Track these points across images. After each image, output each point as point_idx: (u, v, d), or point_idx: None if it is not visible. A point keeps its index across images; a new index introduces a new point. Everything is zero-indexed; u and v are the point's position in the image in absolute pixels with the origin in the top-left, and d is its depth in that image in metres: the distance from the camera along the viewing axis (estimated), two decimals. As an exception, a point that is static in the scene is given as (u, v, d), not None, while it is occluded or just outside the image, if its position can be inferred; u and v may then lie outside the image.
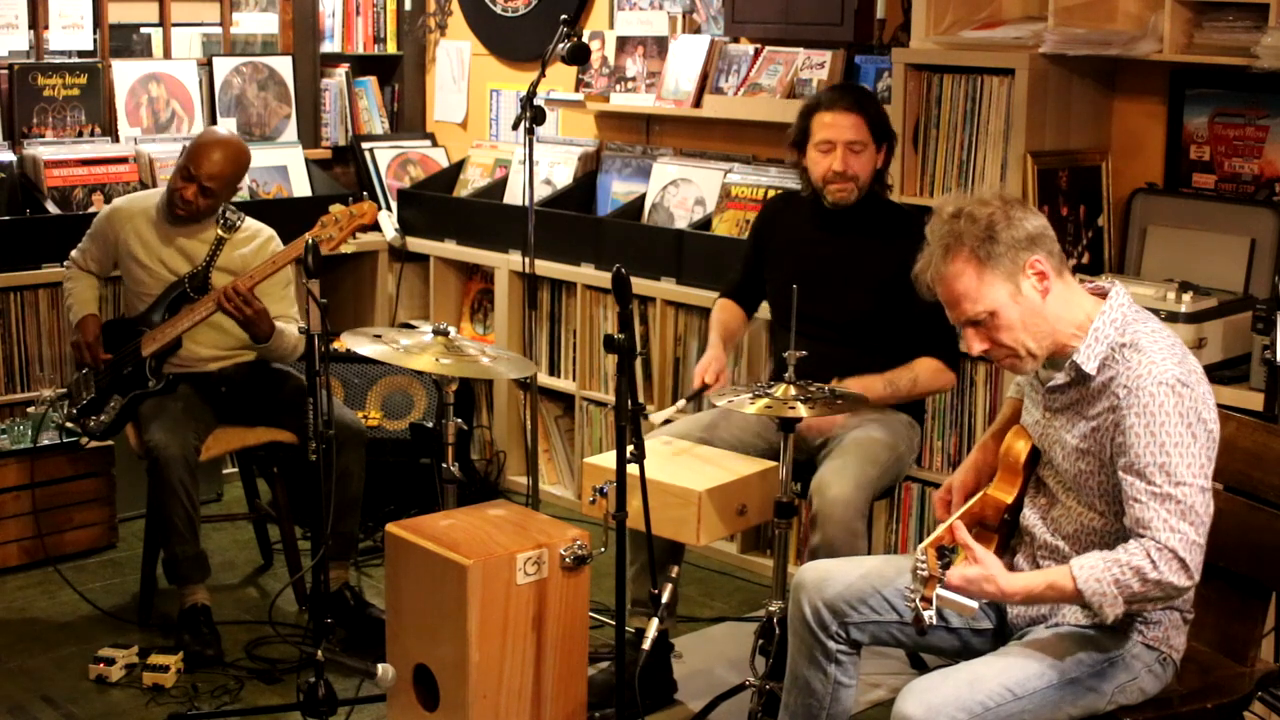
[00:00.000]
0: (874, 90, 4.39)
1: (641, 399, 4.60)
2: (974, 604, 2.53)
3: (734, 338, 3.93)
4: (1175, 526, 2.48)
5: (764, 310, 3.98)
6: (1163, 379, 2.49)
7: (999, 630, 2.79)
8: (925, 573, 2.48)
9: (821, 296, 3.62)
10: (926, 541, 2.55)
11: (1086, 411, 2.61)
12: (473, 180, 5.64)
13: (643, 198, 5.03)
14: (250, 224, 4.21)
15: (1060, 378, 2.63)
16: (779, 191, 4.42)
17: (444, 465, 3.56)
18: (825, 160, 3.62)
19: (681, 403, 3.76)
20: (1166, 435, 2.49)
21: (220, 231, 4.12)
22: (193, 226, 4.14)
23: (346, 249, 3.91)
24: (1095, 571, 2.50)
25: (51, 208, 4.87)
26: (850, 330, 3.63)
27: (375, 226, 5.29)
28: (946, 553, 2.53)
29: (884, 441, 3.53)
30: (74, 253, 4.29)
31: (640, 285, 4.60)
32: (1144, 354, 2.54)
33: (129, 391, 4.07)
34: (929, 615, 2.48)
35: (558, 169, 5.32)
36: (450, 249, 5.41)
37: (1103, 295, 2.66)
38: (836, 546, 3.31)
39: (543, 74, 4.32)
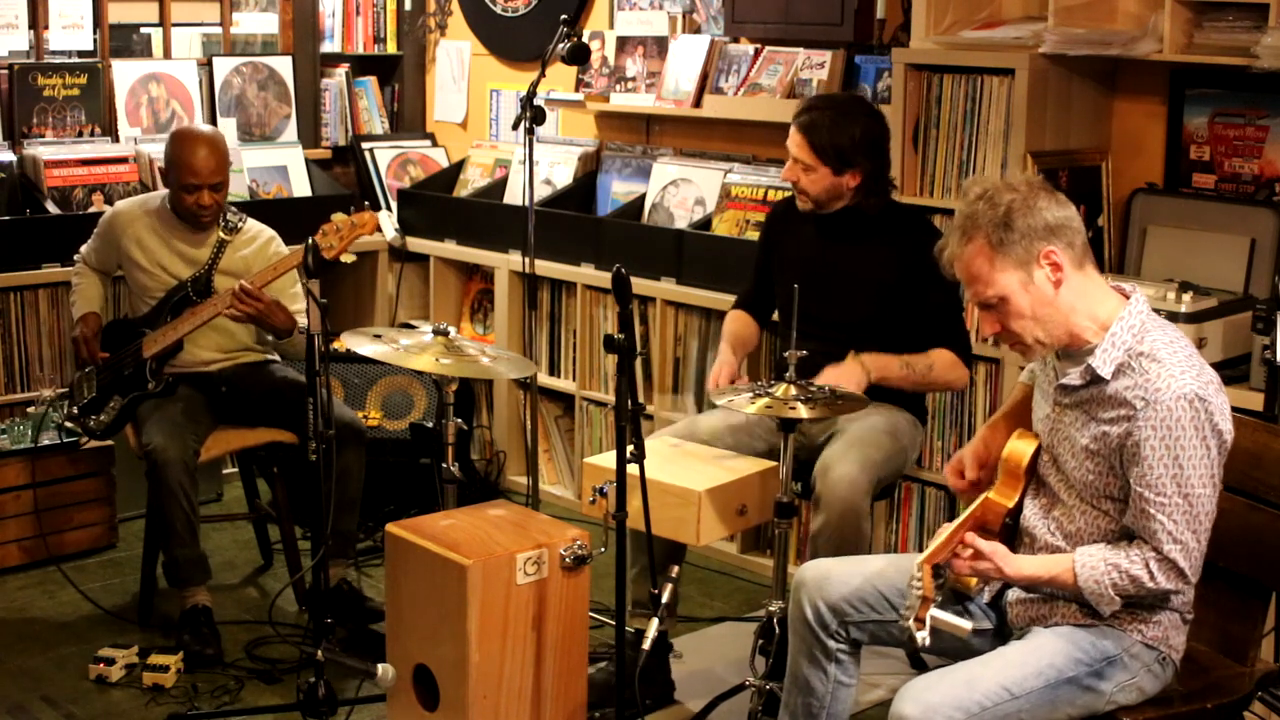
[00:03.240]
0: (872, 89, 4.39)
1: (641, 399, 4.60)
2: (967, 625, 2.54)
3: (746, 347, 3.90)
4: (1178, 536, 2.51)
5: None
6: (1181, 393, 2.49)
7: (998, 630, 2.79)
8: (920, 592, 2.48)
9: (826, 301, 3.62)
10: (922, 557, 2.54)
11: (1098, 414, 2.61)
12: (473, 180, 5.64)
13: (643, 198, 5.03)
14: (252, 225, 4.22)
15: (1074, 378, 2.63)
16: (779, 195, 4.42)
17: (444, 465, 3.56)
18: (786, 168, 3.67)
19: (693, 412, 3.74)
20: (1181, 449, 2.50)
21: (222, 234, 4.13)
22: (195, 230, 4.14)
23: (346, 259, 3.89)
24: (1095, 573, 2.55)
25: (51, 208, 4.87)
26: (856, 333, 3.62)
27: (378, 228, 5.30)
28: (942, 571, 2.54)
29: (888, 430, 3.53)
30: (83, 248, 4.31)
31: (640, 285, 4.60)
32: (1163, 366, 2.53)
33: (129, 392, 4.07)
34: (921, 637, 2.48)
35: (558, 169, 5.32)
36: (450, 249, 5.41)
37: (1126, 296, 2.66)
38: (840, 527, 3.30)
39: (543, 74, 4.32)
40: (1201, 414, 2.50)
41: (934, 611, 2.50)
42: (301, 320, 4.07)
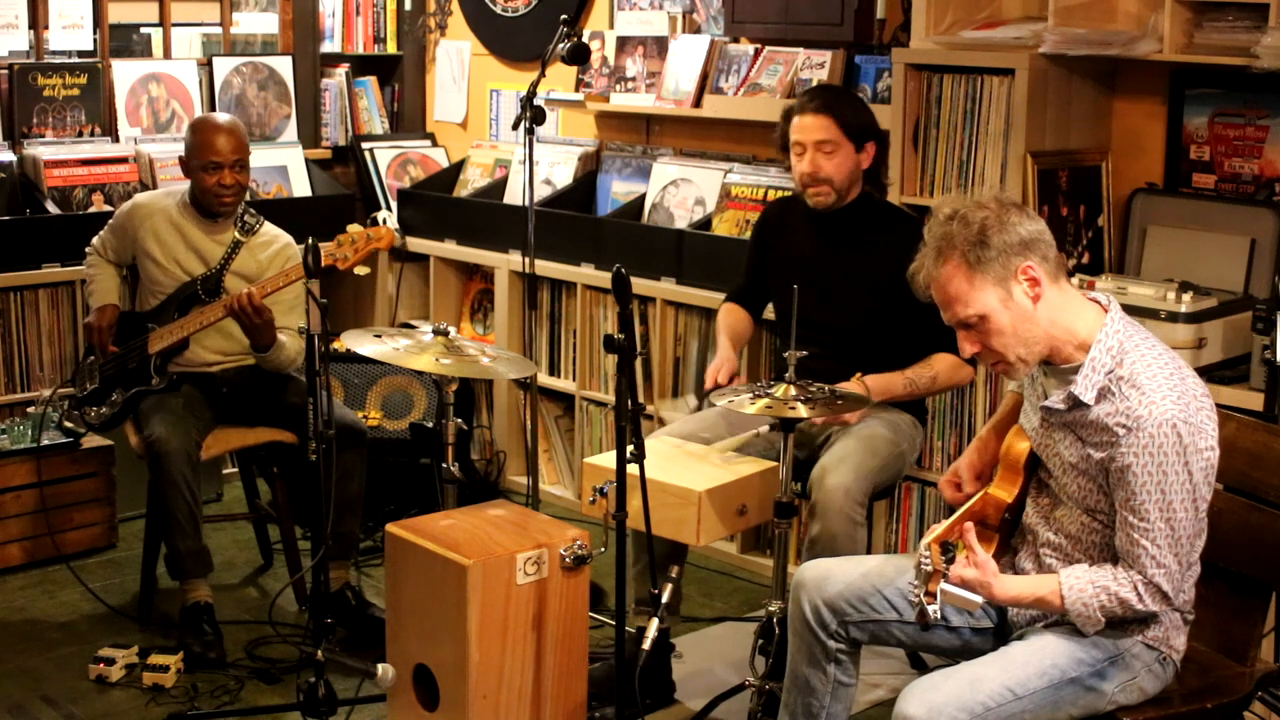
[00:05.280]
0: (872, 89, 4.40)
1: (641, 399, 4.60)
2: (978, 599, 2.55)
3: (743, 340, 3.91)
4: (1162, 560, 2.53)
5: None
6: (1163, 419, 2.50)
7: (999, 629, 2.79)
8: (929, 567, 2.49)
9: (822, 303, 3.61)
10: (930, 536, 2.56)
11: (1084, 436, 2.61)
12: (473, 180, 5.64)
13: (643, 198, 5.03)
14: (269, 229, 4.20)
15: (1057, 403, 2.63)
16: (778, 195, 4.41)
17: (444, 465, 3.56)
18: (799, 164, 3.62)
19: (692, 402, 3.75)
20: (1164, 475, 2.51)
21: (238, 234, 4.12)
22: (211, 227, 4.14)
23: (360, 271, 3.89)
24: (1083, 596, 2.57)
25: (51, 208, 4.87)
26: (853, 335, 3.62)
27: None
28: (950, 548, 2.55)
29: (885, 436, 3.53)
30: (95, 240, 4.29)
31: (640, 285, 4.60)
32: (1143, 392, 2.53)
33: (131, 387, 4.07)
34: (933, 610, 2.49)
35: (558, 169, 5.32)
36: (450, 249, 5.41)
37: (1103, 308, 2.65)
38: (835, 535, 3.30)
39: (543, 74, 4.32)
40: (1184, 438, 2.50)
41: (944, 585, 2.51)
42: (285, 338, 4.05)
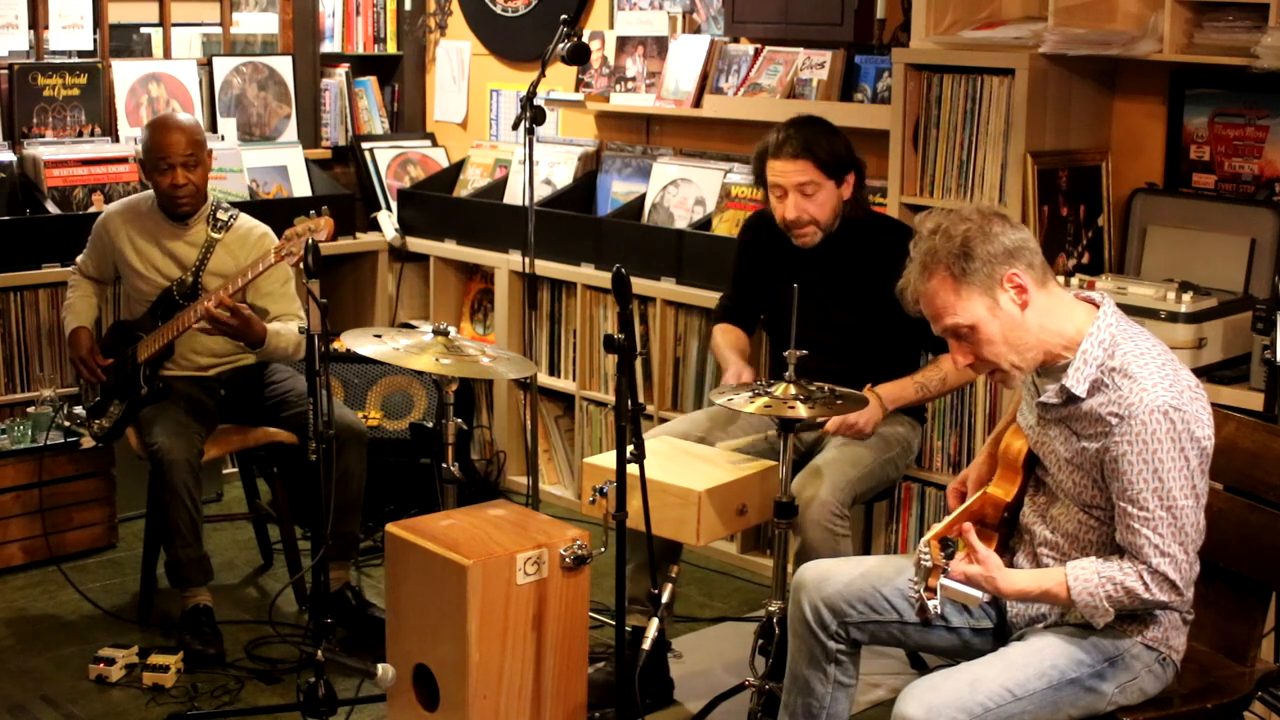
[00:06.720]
0: (872, 89, 4.39)
1: (641, 399, 4.61)
2: (979, 594, 2.56)
3: (746, 355, 3.90)
4: (1166, 549, 2.52)
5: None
6: (1155, 405, 2.50)
7: (999, 629, 2.79)
8: (929, 563, 2.51)
9: (812, 319, 3.59)
10: (930, 534, 2.57)
11: (1078, 429, 2.61)
12: (473, 180, 5.64)
13: (643, 198, 5.03)
14: (243, 222, 4.16)
15: (1051, 397, 2.63)
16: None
17: (444, 465, 3.56)
18: (780, 207, 3.59)
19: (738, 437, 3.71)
20: (1159, 461, 2.50)
21: (211, 233, 4.09)
22: (184, 230, 4.11)
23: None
24: (1089, 585, 2.56)
25: (51, 208, 4.87)
26: (845, 350, 3.61)
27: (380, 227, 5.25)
28: (949, 544, 2.56)
29: (873, 443, 3.52)
30: (79, 259, 4.29)
31: (640, 285, 4.60)
32: (1134, 380, 2.53)
33: (126, 397, 4.07)
34: (934, 605, 2.50)
35: (558, 169, 5.32)
36: (450, 249, 5.41)
37: (1096, 305, 2.66)
38: (816, 548, 3.31)
39: (543, 74, 4.32)
40: (1178, 425, 2.50)
41: (944, 580, 2.52)
42: (281, 326, 4.04)
